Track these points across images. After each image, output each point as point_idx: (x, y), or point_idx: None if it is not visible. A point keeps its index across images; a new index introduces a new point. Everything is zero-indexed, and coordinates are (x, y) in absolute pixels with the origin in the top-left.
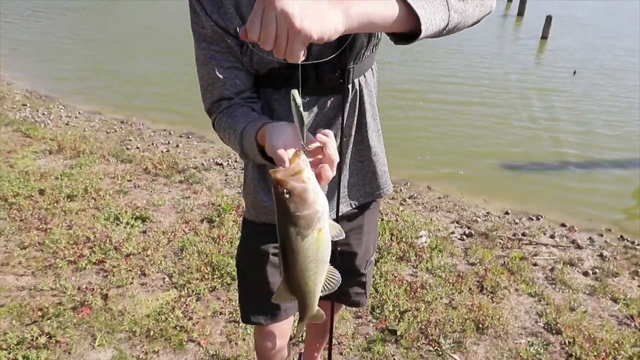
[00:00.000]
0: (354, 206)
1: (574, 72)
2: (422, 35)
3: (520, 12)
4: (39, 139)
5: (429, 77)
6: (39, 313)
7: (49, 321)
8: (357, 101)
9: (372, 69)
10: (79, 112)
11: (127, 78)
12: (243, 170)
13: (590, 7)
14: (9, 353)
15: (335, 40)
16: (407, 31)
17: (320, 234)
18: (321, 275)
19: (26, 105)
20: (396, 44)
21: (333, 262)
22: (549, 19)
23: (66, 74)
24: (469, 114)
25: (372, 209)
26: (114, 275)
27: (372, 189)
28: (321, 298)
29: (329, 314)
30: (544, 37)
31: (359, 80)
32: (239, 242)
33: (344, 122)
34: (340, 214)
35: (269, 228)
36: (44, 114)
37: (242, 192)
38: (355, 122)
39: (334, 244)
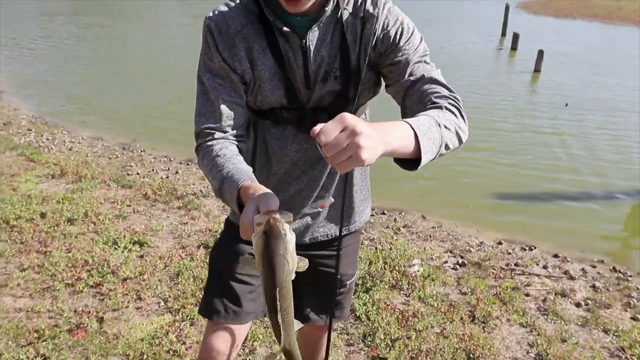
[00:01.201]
0: (331, 237)
1: (566, 105)
2: (420, 166)
3: (514, 47)
4: (43, 164)
5: None
6: (35, 335)
7: (44, 343)
8: None
9: (365, 113)
10: (82, 138)
11: (130, 106)
12: None
13: (583, 43)
14: None
15: (335, 90)
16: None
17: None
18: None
19: (31, 130)
20: (402, 168)
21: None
22: (540, 53)
23: (70, 101)
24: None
25: (353, 234)
26: (110, 299)
27: (349, 222)
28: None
29: (319, 335)
30: (537, 70)
31: None
32: (217, 237)
33: None
34: (319, 240)
35: None
36: (48, 139)
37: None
38: None
39: (313, 263)
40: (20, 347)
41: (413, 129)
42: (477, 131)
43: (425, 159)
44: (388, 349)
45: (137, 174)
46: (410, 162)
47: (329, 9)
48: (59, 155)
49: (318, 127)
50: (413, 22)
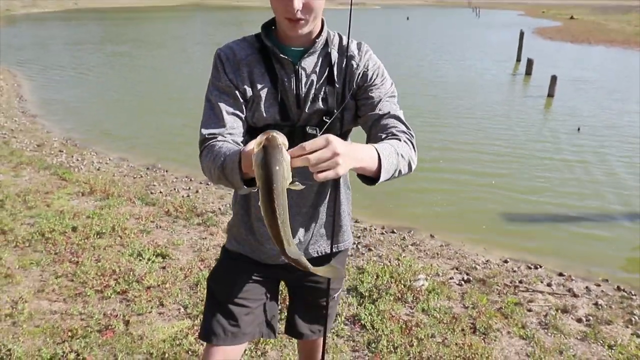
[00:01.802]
0: (322, 254)
1: (579, 129)
2: (378, 183)
3: (528, 72)
4: (73, 182)
5: (437, 127)
6: (69, 334)
7: (77, 341)
8: None
9: (349, 137)
10: (109, 159)
11: (154, 129)
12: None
13: (598, 68)
14: None
15: (321, 110)
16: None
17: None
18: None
19: (62, 151)
20: (363, 182)
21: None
22: (554, 79)
23: (98, 125)
24: (474, 164)
25: (342, 252)
26: (135, 304)
27: (338, 240)
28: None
29: (317, 344)
30: (550, 95)
31: None
32: (215, 265)
33: None
34: (312, 257)
35: (243, 257)
36: (77, 160)
37: (227, 225)
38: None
39: (305, 281)
40: (56, 344)
41: (378, 152)
42: (487, 156)
43: (383, 177)
44: (390, 354)
45: (160, 192)
46: (369, 178)
47: (319, 43)
48: (88, 174)
49: (308, 143)
50: (430, 48)
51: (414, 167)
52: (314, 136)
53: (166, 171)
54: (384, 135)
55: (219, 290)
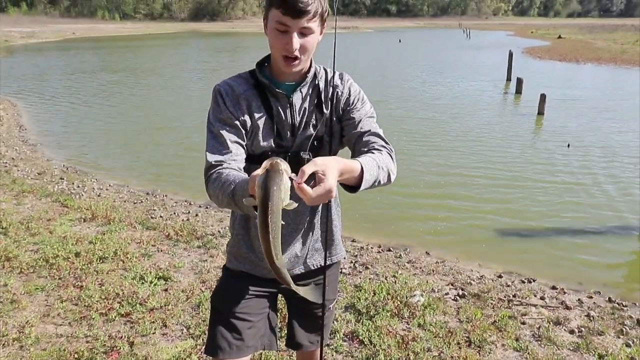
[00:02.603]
0: (317, 267)
1: (568, 145)
2: (359, 191)
3: (518, 91)
4: (75, 209)
5: (431, 147)
6: (75, 356)
7: None
8: None
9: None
10: (109, 185)
11: (152, 155)
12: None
13: (586, 85)
14: None
15: (312, 136)
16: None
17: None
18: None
19: (63, 179)
20: (345, 190)
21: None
22: (543, 97)
23: (98, 152)
24: (466, 184)
25: (335, 264)
26: (139, 326)
27: (331, 253)
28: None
29: (315, 356)
30: (540, 112)
31: None
32: (217, 284)
33: None
34: (310, 269)
35: (244, 274)
36: (78, 187)
37: (226, 247)
38: None
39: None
40: None
41: (361, 165)
42: (480, 173)
43: (363, 186)
44: None
45: (161, 217)
46: (350, 186)
47: (309, 77)
48: (89, 200)
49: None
50: (422, 69)
51: (393, 178)
52: (308, 160)
53: (165, 195)
54: (366, 149)
55: (222, 306)
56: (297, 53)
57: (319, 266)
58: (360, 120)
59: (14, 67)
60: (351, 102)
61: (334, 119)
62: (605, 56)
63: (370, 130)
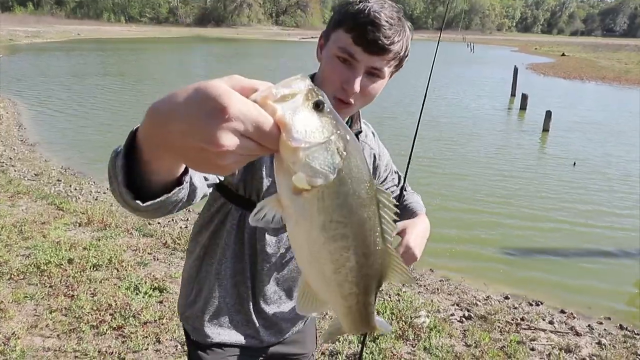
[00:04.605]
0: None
1: (574, 164)
2: None
3: (523, 107)
4: (71, 212)
5: (435, 165)
6: None
7: None
8: None
9: None
10: (107, 188)
11: None
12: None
13: (591, 104)
14: None
15: None
16: None
17: (313, 195)
18: (322, 273)
19: (60, 180)
20: None
21: None
22: (548, 114)
23: (97, 155)
24: (471, 200)
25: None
26: (131, 341)
27: None
28: None
29: None
30: (545, 129)
31: None
32: None
33: None
34: (291, 334)
35: (228, 348)
36: (75, 189)
37: (182, 308)
38: None
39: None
40: None
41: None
42: (484, 192)
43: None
44: None
45: (158, 223)
46: None
47: (353, 130)
48: (86, 204)
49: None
50: (430, 85)
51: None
52: None
53: None
54: (405, 202)
55: None
56: (354, 98)
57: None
58: (390, 187)
59: (16, 66)
60: (385, 178)
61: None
62: (609, 75)
63: (397, 186)
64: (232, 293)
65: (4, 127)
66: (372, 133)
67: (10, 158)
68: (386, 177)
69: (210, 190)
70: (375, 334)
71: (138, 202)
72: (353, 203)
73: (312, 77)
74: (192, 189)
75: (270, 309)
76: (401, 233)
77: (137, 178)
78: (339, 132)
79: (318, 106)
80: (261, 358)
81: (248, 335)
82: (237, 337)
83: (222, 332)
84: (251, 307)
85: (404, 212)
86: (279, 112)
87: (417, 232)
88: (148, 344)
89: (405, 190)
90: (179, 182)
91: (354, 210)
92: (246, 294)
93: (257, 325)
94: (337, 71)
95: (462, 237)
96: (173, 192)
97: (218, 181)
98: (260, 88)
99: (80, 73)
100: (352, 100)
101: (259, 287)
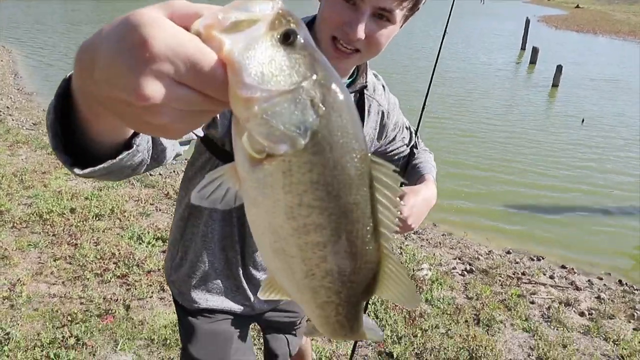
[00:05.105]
0: None
1: (583, 121)
2: None
3: (533, 61)
4: None
5: (443, 116)
6: (69, 318)
7: (77, 325)
8: None
9: None
10: None
11: None
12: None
13: (604, 58)
14: (42, 350)
15: None
16: None
17: (276, 167)
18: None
19: None
20: None
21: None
22: (559, 68)
23: None
24: (475, 153)
25: None
26: (135, 289)
27: None
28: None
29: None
30: (555, 85)
31: None
32: (181, 347)
33: None
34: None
35: (218, 313)
36: None
37: (168, 272)
38: None
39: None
40: (56, 328)
41: (433, 178)
42: (490, 147)
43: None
44: (394, 345)
45: (159, 174)
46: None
47: (358, 84)
48: None
49: None
50: (434, 39)
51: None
52: None
53: None
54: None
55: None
56: (358, 45)
57: None
58: (399, 147)
59: (9, 12)
60: (394, 136)
61: (376, 142)
62: (623, 29)
63: (407, 145)
64: (221, 257)
65: (0, 75)
66: (383, 86)
67: (8, 107)
68: (394, 137)
69: (186, 148)
70: (363, 341)
71: (75, 169)
72: (334, 181)
73: (311, 22)
74: (160, 149)
75: (261, 275)
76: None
77: (77, 136)
78: (315, 76)
79: (287, 38)
80: (252, 324)
81: (238, 302)
82: (227, 304)
83: (211, 298)
84: (240, 272)
85: (410, 173)
86: (227, 46)
87: (417, 201)
88: (152, 292)
89: (417, 149)
90: (128, 145)
91: (335, 191)
92: (235, 258)
93: (248, 291)
94: (338, 12)
95: (465, 192)
96: (120, 157)
97: (196, 138)
98: (206, 14)
99: (75, 20)
100: (356, 47)
101: (248, 252)
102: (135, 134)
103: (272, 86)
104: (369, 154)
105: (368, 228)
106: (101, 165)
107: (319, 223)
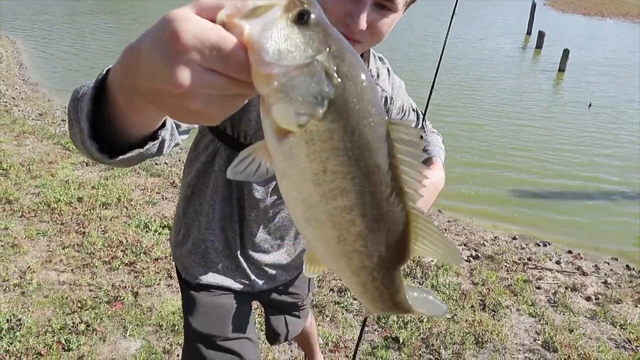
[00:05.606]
0: (295, 275)
1: (589, 105)
2: None
3: (539, 45)
4: (77, 152)
5: (449, 104)
6: (78, 304)
7: (87, 312)
8: None
9: None
10: None
11: None
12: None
13: (611, 42)
14: (54, 336)
15: None
16: None
17: (299, 138)
18: (319, 230)
19: (65, 120)
20: None
21: None
22: (566, 52)
23: None
24: (481, 140)
25: None
26: (143, 276)
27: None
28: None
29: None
30: (561, 69)
31: None
32: (184, 323)
33: None
34: (285, 280)
35: (217, 290)
36: None
37: (173, 247)
38: None
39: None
40: (66, 314)
41: (441, 162)
42: (496, 133)
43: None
44: (400, 330)
45: (165, 163)
46: None
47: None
48: None
49: None
50: (445, 25)
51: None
52: None
53: None
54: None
55: (200, 341)
56: (360, 36)
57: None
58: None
59: (9, 3)
60: (397, 119)
61: None
62: (632, 11)
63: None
64: (221, 237)
65: (5, 66)
66: (387, 70)
67: (13, 97)
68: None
69: (185, 137)
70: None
71: (106, 156)
72: (353, 146)
73: None
74: (161, 140)
75: (260, 257)
76: None
77: (104, 126)
78: (329, 49)
79: (301, 18)
80: (253, 302)
81: (238, 281)
82: (228, 282)
83: (211, 275)
84: (239, 253)
85: None
86: (246, 30)
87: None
88: (160, 279)
89: (424, 131)
90: (154, 136)
91: (356, 155)
92: (234, 239)
93: (248, 271)
94: (339, 2)
95: (471, 178)
96: (146, 147)
97: (196, 126)
98: (227, 4)
99: (80, 11)
100: (357, 37)
101: (247, 233)
102: (161, 126)
103: (289, 61)
104: (387, 118)
105: (392, 189)
106: (130, 154)
107: (344, 187)
